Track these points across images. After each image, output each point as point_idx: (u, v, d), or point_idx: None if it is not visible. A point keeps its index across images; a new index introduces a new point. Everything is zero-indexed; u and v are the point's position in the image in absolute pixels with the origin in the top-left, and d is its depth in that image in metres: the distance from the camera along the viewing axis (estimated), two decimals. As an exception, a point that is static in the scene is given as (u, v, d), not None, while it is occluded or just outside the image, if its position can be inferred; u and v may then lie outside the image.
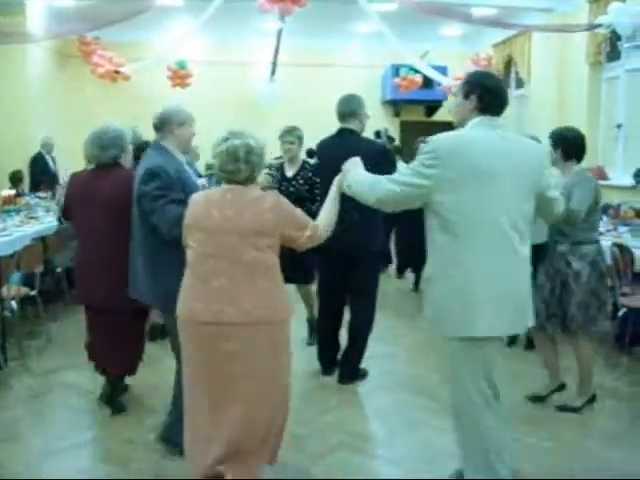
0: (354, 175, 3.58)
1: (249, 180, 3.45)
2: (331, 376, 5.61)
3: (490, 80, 3.46)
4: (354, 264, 5.32)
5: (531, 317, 3.47)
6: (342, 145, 5.20)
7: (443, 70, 12.86)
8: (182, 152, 4.20)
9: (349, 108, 5.37)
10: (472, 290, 3.25)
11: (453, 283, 3.29)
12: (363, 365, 5.63)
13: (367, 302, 5.51)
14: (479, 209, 3.23)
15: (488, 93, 3.39)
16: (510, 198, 3.27)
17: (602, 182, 9.82)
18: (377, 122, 14.67)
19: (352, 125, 5.35)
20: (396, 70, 13.99)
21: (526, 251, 3.36)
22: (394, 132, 14.88)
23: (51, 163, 11.50)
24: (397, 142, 12.02)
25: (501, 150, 3.28)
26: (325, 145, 5.64)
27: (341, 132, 5.39)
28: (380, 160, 5.22)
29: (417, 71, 12.80)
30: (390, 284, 9.16)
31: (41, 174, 11.07)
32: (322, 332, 5.73)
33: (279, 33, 10.53)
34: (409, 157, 9.94)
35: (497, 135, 3.33)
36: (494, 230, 3.26)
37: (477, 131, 3.35)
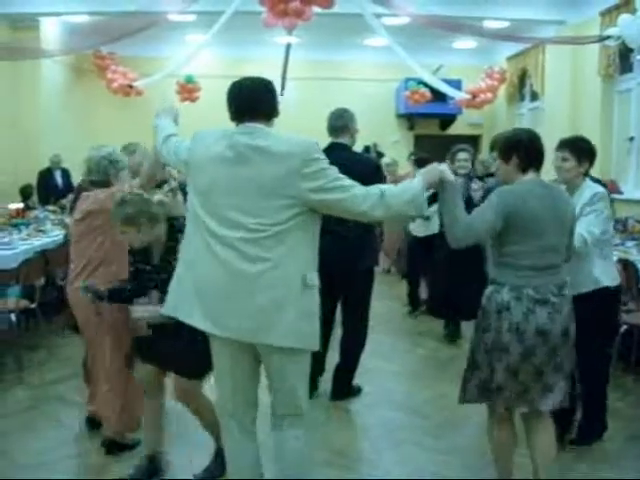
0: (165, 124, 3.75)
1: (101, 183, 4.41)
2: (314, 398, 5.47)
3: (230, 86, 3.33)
4: (346, 282, 5.22)
5: (271, 333, 3.10)
6: (334, 160, 5.15)
7: (457, 84, 12.78)
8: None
9: (342, 122, 5.32)
10: (183, 287, 3.24)
11: (176, 276, 3.33)
12: (357, 381, 5.58)
13: (360, 320, 5.44)
14: (200, 210, 3.18)
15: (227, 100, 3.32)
16: (241, 204, 3.10)
17: (615, 196, 9.72)
18: (391, 135, 14.73)
19: (343, 140, 5.30)
20: (408, 84, 13.96)
21: (279, 251, 3.08)
22: (409, 145, 14.86)
23: (59, 178, 11.57)
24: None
25: (239, 156, 3.13)
26: None
27: (333, 146, 5.27)
28: (371, 175, 5.21)
29: (426, 85, 12.75)
30: (390, 302, 9.07)
31: (47, 188, 11.16)
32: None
33: (287, 47, 10.53)
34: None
35: (240, 140, 3.15)
36: (207, 234, 3.14)
37: (220, 138, 3.22)
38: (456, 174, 6.33)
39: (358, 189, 3.15)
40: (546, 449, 3.57)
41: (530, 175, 3.50)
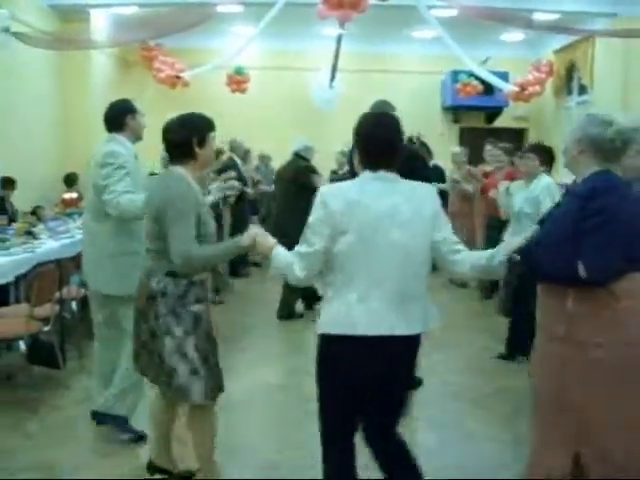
0: None
1: None
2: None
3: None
4: None
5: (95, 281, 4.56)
6: None
7: (504, 76, 12.65)
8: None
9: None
10: None
11: None
12: (419, 374, 5.57)
13: None
14: None
15: None
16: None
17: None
18: (437, 128, 14.65)
19: None
20: (456, 76, 13.89)
21: (98, 226, 4.46)
22: (454, 138, 14.78)
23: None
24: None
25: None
26: None
27: None
28: (413, 164, 5.23)
29: (476, 77, 12.68)
30: (450, 294, 9.07)
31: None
32: None
33: (339, 39, 10.50)
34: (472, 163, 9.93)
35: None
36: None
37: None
38: None
39: (117, 194, 4.27)
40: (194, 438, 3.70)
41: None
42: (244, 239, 3.36)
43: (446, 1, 10.26)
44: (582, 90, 13.09)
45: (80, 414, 4.92)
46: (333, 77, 11.57)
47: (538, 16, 11.39)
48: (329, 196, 2.97)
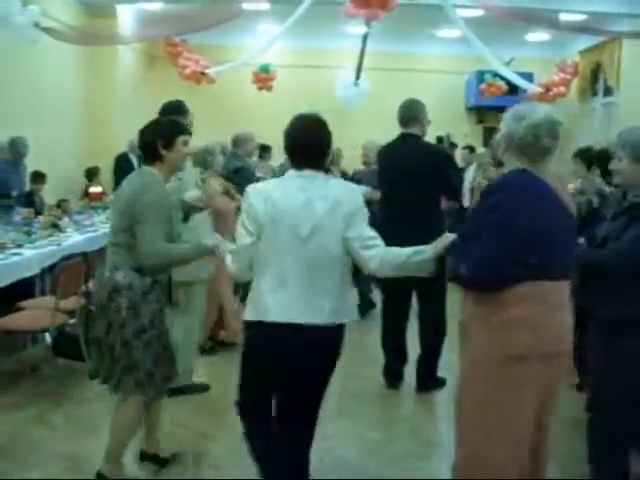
0: None
1: None
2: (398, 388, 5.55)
3: None
4: None
5: None
6: (405, 150, 5.22)
7: (529, 77, 12.62)
8: None
9: (411, 113, 5.33)
10: None
11: None
12: (443, 373, 5.58)
13: (436, 311, 5.43)
14: None
15: None
16: None
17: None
18: (460, 128, 14.60)
19: (414, 130, 5.32)
20: (481, 76, 13.86)
21: None
22: (477, 138, 14.72)
23: (135, 162, 11.64)
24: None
25: None
26: (387, 150, 5.62)
27: (403, 137, 5.35)
28: (443, 164, 5.25)
29: (502, 77, 12.62)
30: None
31: (124, 173, 11.19)
32: (389, 345, 5.60)
33: (365, 38, 10.50)
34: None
35: None
36: None
37: None
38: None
39: None
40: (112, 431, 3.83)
41: None
42: (209, 242, 3.57)
43: (473, 1, 10.22)
44: (607, 91, 13.00)
45: (104, 407, 4.92)
46: (358, 75, 11.60)
47: (564, 16, 11.30)
48: (253, 195, 3.14)
